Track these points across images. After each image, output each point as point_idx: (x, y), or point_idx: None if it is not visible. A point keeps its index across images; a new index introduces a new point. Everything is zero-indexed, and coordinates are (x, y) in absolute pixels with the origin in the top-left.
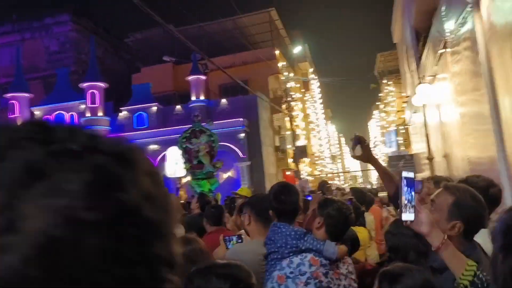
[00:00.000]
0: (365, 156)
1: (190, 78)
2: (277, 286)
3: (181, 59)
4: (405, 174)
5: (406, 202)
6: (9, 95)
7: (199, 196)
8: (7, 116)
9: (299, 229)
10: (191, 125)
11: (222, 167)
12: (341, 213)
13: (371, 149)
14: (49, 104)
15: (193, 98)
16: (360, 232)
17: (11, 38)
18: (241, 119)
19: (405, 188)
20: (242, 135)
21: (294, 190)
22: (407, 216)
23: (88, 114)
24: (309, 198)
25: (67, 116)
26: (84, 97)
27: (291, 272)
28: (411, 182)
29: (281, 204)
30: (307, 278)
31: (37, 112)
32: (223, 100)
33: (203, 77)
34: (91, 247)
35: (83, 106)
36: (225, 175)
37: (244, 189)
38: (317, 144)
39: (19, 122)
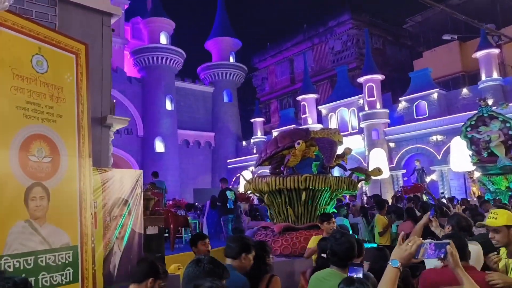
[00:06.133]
0: None
1: (478, 54)
2: None
3: (469, 34)
4: None
5: None
6: (299, 97)
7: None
8: (300, 115)
9: None
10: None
11: None
12: None
13: None
14: (332, 102)
15: (483, 77)
16: None
17: (303, 46)
18: None
19: None
20: None
21: None
22: None
23: (366, 108)
24: None
25: (348, 112)
26: (363, 91)
27: None
28: None
29: None
30: None
31: (323, 110)
32: None
33: (495, 51)
34: None
35: (361, 101)
36: None
37: None
38: None
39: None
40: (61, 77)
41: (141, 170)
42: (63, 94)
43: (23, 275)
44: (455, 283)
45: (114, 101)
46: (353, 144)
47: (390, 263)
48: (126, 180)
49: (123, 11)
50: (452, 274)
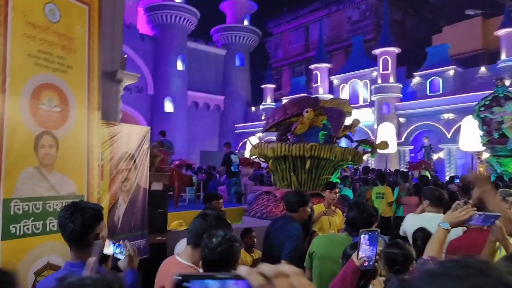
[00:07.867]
0: None
1: (501, 32)
2: None
3: (494, 10)
4: None
5: None
6: (312, 66)
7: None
8: (312, 85)
9: None
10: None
11: None
12: None
13: None
14: (345, 73)
15: (503, 57)
16: None
17: (320, 13)
18: None
19: None
20: None
21: None
22: None
23: (379, 81)
24: None
25: (360, 84)
26: (377, 63)
27: None
28: None
29: None
30: None
31: (336, 80)
32: None
33: None
34: None
35: (375, 73)
36: None
37: None
38: None
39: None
40: (73, 28)
41: (149, 127)
42: (74, 45)
43: (32, 218)
44: (476, 247)
45: (125, 56)
46: (363, 117)
47: (441, 225)
48: (133, 136)
49: None
50: (474, 239)
